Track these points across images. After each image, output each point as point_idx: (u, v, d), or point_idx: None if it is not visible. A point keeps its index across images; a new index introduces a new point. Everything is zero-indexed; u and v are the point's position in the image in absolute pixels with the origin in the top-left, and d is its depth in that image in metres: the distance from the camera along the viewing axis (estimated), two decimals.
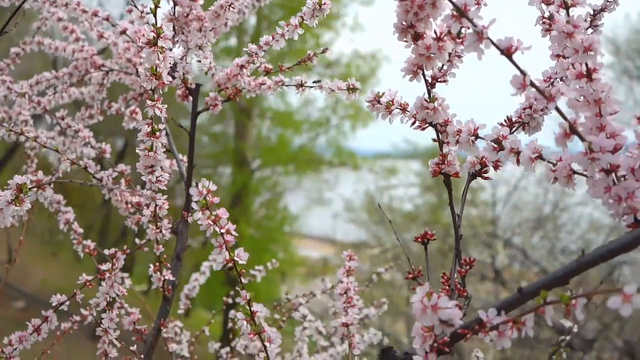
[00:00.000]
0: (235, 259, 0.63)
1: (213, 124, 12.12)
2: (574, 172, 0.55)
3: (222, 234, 0.63)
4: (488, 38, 0.50)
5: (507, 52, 0.51)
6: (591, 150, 0.51)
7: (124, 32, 1.04)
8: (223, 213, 0.63)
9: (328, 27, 11.74)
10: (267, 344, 0.65)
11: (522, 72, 0.51)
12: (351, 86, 0.83)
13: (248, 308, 0.65)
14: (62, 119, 1.11)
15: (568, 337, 1.12)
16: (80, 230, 1.10)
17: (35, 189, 0.68)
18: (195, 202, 0.61)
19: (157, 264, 0.97)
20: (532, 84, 0.51)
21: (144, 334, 1.00)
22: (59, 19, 1.20)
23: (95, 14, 1.10)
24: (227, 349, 1.37)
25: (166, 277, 0.98)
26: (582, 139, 0.52)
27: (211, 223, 0.62)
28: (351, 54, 10.50)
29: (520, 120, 0.68)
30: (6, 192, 0.68)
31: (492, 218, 6.72)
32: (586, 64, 0.54)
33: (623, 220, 0.51)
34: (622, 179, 0.52)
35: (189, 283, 1.42)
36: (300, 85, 0.97)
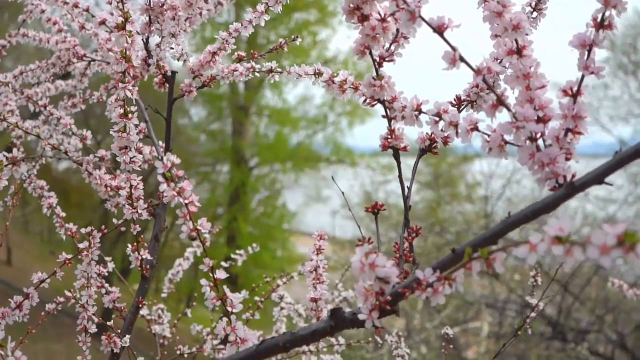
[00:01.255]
0: (199, 227, 0.67)
1: (211, 122, 12.17)
2: (506, 142, 0.59)
3: (186, 204, 0.67)
4: (420, 17, 0.55)
5: (439, 29, 0.55)
6: (516, 119, 0.55)
7: (103, 22, 1.08)
8: (187, 185, 0.67)
9: (325, 24, 11.79)
10: (229, 308, 0.69)
11: (452, 48, 0.55)
12: (317, 71, 0.87)
13: (211, 275, 0.69)
14: (45, 107, 1.15)
15: (533, 314, 1.16)
16: (63, 214, 1.14)
17: (10, 166, 0.72)
18: (160, 174, 0.65)
19: (135, 243, 1.01)
20: (462, 59, 0.55)
21: (124, 311, 1.05)
22: (42, 11, 1.24)
23: (75, 5, 1.14)
24: (208, 329, 1.41)
25: (144, 257, 1.02)
26: (509, 109, 0.56)
27: (176, 194, 0.66)
28: (348, 51, 10.53)
29: (468, 98, 0.73)
30: None
31: (486, 212, 6.76)
32: (516, 41, 0.58)
33: (547, 184, 0.55)
34: (549, 147, 0.56)
35: (173, 268, 1.46)
36: (270, 71, 1.01)
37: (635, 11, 8.48)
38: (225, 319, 0.69)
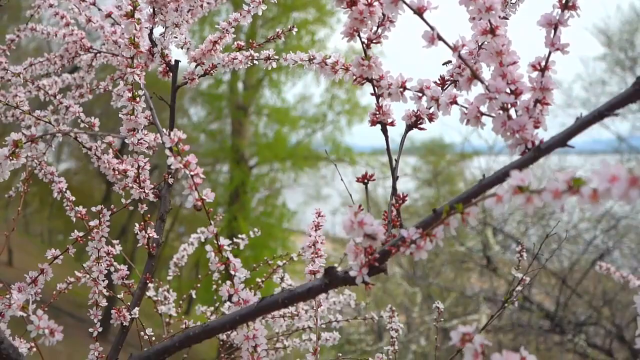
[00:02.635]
0: (204, 197, 0.73)
1: (210, 122, 12.23)
2: (482, 113, 0.65)
3: (192, 176, 0.73)
4: (402, 0, 0.61)
5: (419, 11, 0.61)
6: (489, 91, 0.61)
7: (109, 15, 1.14)
8: (192, 159, 0.73)
9: (323, 23, 11.85)
10: (232, 272, 0.75)
11: (431, 27, 0.61)
12: (312, 57, 0.93)
13: (216, 242, 0.75)
14: (54, 96, 1.21)
15: (519, 288, 1.22)
16: (73, 198, 1.20)
17: (29, 143, 0.78)
18: (168, 148, 0.71)
19: (142, 223, 1.07)
20: (440, 38, 0.61)
21: (132, 287, 1.11)
22: (50, 5, 1.30)
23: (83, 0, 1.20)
24: (212, 308, 1.47)
25: (151, 235, 1.08)
26: (482, 82, 0.62)
27: (182, 167, 0.72)
28: (347, 50, 10.59)
29: (451, 78, 0.79)
30: (4, 148, 0.78)
31: (483, 206, 6.81)
32: (489, 22, 0.64)
33: (517, 149, 0.61)
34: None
35: (178, 253, 1.52)
36: (268, 58, 1.07)
37: (632, 8, 8.54)
38: (228, 282, 0.75)
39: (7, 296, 0.73)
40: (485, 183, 0.60)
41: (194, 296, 1.54)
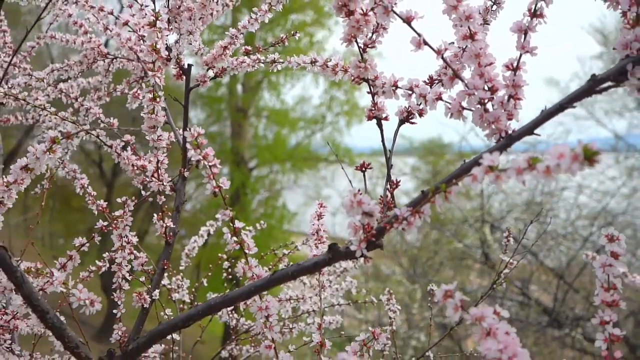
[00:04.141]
0: (220, 185, 0.83)
1: (210, 124, 12.32)
2: (463, 108, 0.75)
3: (210, 166, 0.83)
4: (392, 10, 0.71)
5: (408, 20, 0.71)
6: (468, 88, 0.71)
7: (126, 23, 1.24)
8: (210, 151, 0.83)
9: (321, 25, 11.96)
10: (246, 251, 0.85)
11: (418, 34, 0.71)
12: (313, 60, 1.03)
13: (232, 224, 0.85)
14: (76, 99, 1.31)
15: (507, 270, 1.31)
16: (94, 193, 1.30)
17: (65, 139, 0.88)
18: (189, 142, 0.81)
19: (160, 213, 1.17)
20: (425, 43, 0.71)
21: (151, 273, 1.21)
22: (69, 15, 1.40)
23: (101, 9, 1.30)
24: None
25: (168, 225, 1.18)
26: (462, 81, 0.72)
27: (201, 158, 0.82)
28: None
29: (439, 78, 0.89)
30: (41, 144, 0.88)
31: (481, 203, 6.92)
32: (469, 28, 0.74)
33: (493, 138, 0.71)
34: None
35: (189, 244, 1.62)
36: (273, 62, 1.17)
37: None
38: (243, 260, 0.85)
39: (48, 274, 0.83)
40: (464, 167, 0.70)
41: (205, 284, 1.64)
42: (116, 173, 10.53)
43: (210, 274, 1.64)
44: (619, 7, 0.68)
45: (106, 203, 1.25)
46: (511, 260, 1.31)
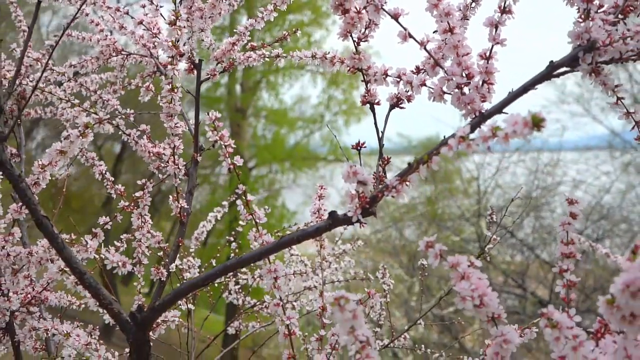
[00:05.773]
0: (235, 162, 0.95)
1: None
2: (443, 92, 0.87)
3: (225, 146, 0.95)
4: (382, 8, 0.83)
5: (395, 16, 0.83)
6: (447, 74, 0.83)
7: (140, 22, 1.35)
8: (225, 133, 0.95)
9: (319, 25, 12.08)
10: (257, 220, 0.97)
11: (404, 28, 0.83)
12: (314, 54, 1.15)
13: (244, 198, 0.97)
14: (95, 92, 1.42)
15: (491, 245, 1.43)
16: (112, 178, 1.42)
17: (97, 124, 1.00)
18: (207, 124, 0.93)
19: (175, 194, 1.29)
20: (410, 36, 0.83)
21: (167, 250, 1.33)
22: (87, 14, 1.51)
23: (117, 10, 1.42)
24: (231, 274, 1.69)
25: (182, 206, 1.30)
26: (442, 68, 0.84)
27: (218, 139, 0.94)
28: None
29: (424, 67, 1.00)
30: (75, 129, 1.00)
31: (478, 198, 7.06)
32: (448, 23, 0.86)
33: (469, 117, 0.83)
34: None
35: (198, 229, 1.74)
36: (277, 56, 1.29)
37: None
38: (254, 228, 0.97)
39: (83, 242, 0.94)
40: (443, 142, 0.82)
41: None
42: (116, 173, 10.63)
43: (218, 255, 1.76)
44: (575, 4, 0.79)
45: (123, 187, 1.37)
46: (494, 237, 1.43)
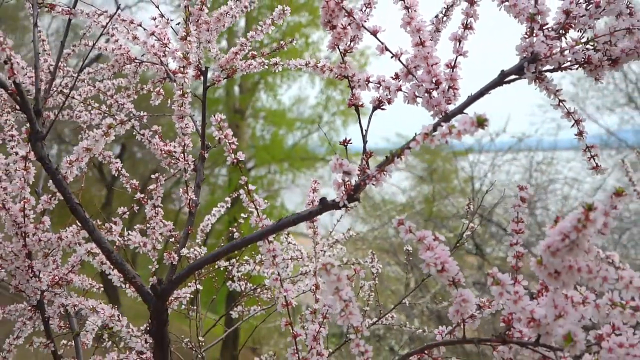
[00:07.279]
0: (238, 157, 1.11)
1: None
2: (416, 96, 1.02)
3: (229, 143, 1.10)
4: (363, 26, 0.98)
5: (374, 32, 0.99)
6: (418, 81, 0.99)
7: (152, 33, 1.51)
8: (230, 132, 1.10)
9: (317, 26, 12.23)
10: (258, 207, 1.13)
11: (381, 42, 0.99)
12: (307, 62, 1.30)
13: (246, 187, 1.13)
14: (111, 96, 1.58)
15: (468, 233, 1.59)
16: (127, 175, 1.57)
17: (119, 125, 1.15)
18: (213, 125, 1.09)
19: (185, 187, 1.44)
20: (387, 49, 0.98)
21: (178, 237, 1.48)
22: (103, 27, 1.67)
23: (131, 22, 1.57)
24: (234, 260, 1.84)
25: (191, 197, 1.46)
26: (414, 76, 1.00)
27: (223, 137, 1.10)
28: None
29: (400, 75, 1.16)
30: (99, 130, 1.16)
31: (472, 195, 7.21)
32: (419, 37, 1.01)
33: (437, 117, 0.99)
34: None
35: (203, 222, 1.90)
36: (276, 64, 1.44)
37: None
38: (255, 213, 1.13)
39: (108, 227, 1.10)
40: (413, 138, 0.98)
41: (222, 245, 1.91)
42: (115, 176, 10.77)
43: (222, 244, 1.90)
44: (523, 23, 0.95)
45: (137, 182, 1.52)
46: (472, 225, 1.59)
